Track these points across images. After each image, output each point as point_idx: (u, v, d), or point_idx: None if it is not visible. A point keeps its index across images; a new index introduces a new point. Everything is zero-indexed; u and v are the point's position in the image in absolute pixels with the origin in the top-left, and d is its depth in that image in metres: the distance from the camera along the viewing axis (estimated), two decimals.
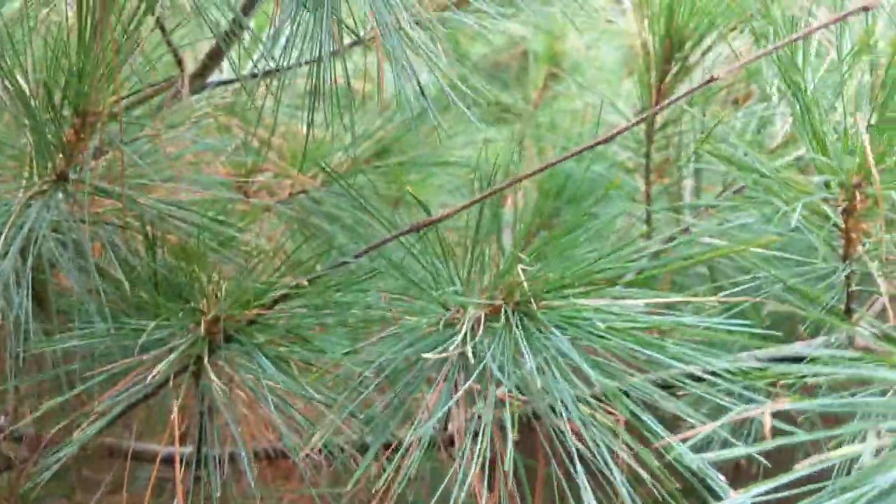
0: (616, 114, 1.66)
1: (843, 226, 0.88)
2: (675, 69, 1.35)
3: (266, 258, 1.03)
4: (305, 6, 0.82)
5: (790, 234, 1.00)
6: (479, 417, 0.82)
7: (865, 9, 0.67)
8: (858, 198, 0.82)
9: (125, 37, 0.85)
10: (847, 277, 0.92)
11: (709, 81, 0.79)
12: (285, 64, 0.95)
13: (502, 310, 0.83)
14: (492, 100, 1.86)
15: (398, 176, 1.69)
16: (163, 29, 1.16)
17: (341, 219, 1.54)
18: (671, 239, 1.31)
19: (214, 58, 1.26)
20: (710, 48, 1.42)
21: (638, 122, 0.89)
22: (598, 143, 0.84)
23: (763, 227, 1.04)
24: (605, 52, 2.24)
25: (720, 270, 1.49)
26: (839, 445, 0.58)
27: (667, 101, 1.10)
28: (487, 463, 0.81)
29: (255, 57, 0.98)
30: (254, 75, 1.09)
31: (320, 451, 0.95)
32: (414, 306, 0.93)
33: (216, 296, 0.89)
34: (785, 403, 0.56)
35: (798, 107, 0.79)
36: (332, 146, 1.50)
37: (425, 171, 1.75)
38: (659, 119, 1.44)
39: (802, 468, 0.49)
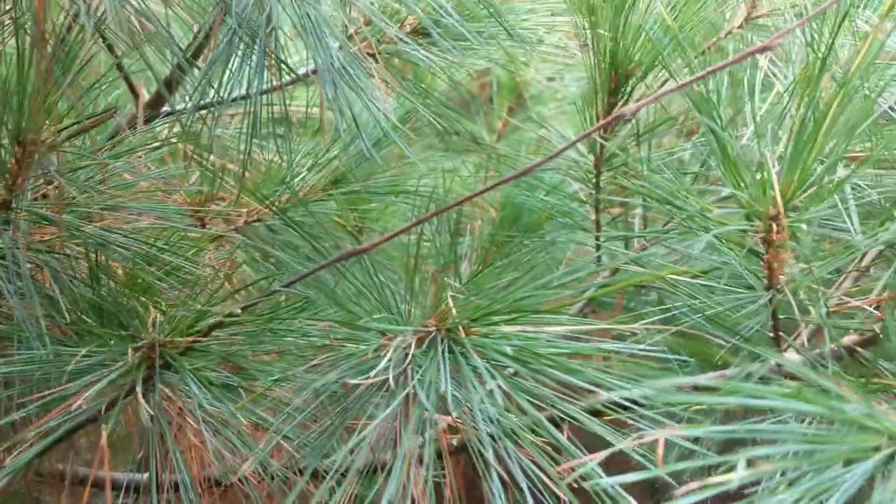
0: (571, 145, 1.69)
1: (764, 256, 0.91)
2: (621, 102, 1.39)
3: (208, 286, 1.05)
4: (241, 39, 0.85)
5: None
6: (423, 445, 0.84)
7: (764, 49, 0.70)
8: (775, 229, 0.85)
9: (62, 67, 0.87)
10: (772, 305, 0.95)
11: (617, 118, 0.82)
12: (229, 95, 0.98)
13: (430, 337, 0.86)
14: (445, 130, 1.89)
15: (358, 203, 1.71)
16: (120, 66, 1.19)
17: (300, 247, 1.56)
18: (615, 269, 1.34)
19: (168, 87, 1.29)
20: (666, 81, 1.46)
21: (565, 149, 0.91)
22: (526, 172, 0.86)
23: (709, 257, 1.08)
24: (568, 83, 2.29)
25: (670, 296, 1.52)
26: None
27: (585, 132, 1.13)
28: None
29: (191, 91, 1.00)
30: (202, 108, 1.12)
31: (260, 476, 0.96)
32: (356, 334, 0.95)
33: (152, 324, 0.91)
34: (677, 431, 0.58)
35: (714, 142, 0.82)
36: (285, 174, 1.52)
37: (385, 199, 1.77)
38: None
39: (680, 494, 0.51)
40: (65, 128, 0.94)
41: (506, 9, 1.50)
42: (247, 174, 1.57)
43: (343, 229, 1.70)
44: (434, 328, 0.88)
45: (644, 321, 0.85)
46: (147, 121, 1.22)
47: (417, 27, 1.40)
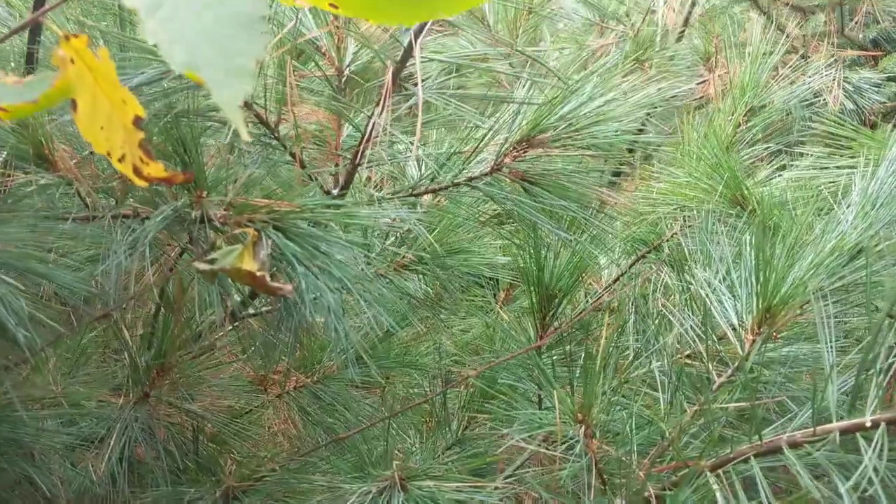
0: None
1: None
2: (549, 314, 2.04)
3: (267, 444, 1.72)
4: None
5: None
6: None
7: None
8: (584, 429, 1.46)
9: (193, 327, 1.57)
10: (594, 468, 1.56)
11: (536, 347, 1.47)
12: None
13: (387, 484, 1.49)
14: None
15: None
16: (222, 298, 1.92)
17: (336, 406, 2.23)
18: None
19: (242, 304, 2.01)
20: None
21: (511, 357, 1.57)
22: (490, 366, 1.51)
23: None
24: None
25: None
26: None
27: (520, 351, 1.77)
28: None
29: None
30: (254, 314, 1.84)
31: None
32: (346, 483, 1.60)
33: (228, 472, 1.57)
34: None
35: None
36: (324, 354, 2.21)
37: (398, 370, 2.43)
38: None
39: None
40: (184, 355, 1.64)
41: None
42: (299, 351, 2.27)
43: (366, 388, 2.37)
44: (388, 480, 1.52)
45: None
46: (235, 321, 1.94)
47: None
